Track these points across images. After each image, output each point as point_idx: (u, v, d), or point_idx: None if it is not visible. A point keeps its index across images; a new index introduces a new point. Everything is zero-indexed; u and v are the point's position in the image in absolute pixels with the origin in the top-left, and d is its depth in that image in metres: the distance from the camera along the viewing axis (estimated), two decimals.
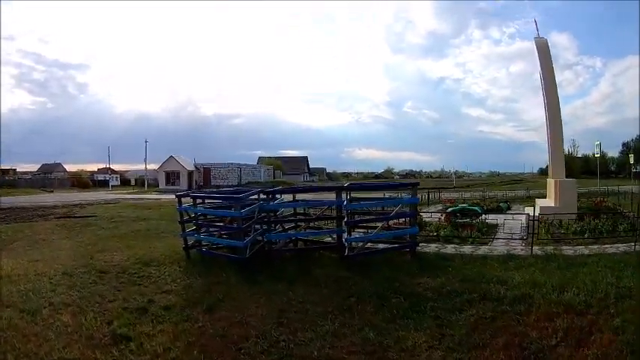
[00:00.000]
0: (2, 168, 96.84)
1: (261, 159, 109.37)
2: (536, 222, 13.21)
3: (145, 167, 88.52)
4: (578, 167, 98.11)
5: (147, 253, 13.54)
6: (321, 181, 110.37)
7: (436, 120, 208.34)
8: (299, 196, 15.73)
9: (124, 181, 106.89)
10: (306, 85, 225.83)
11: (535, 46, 19.61)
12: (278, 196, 13.59)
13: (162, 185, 74.85)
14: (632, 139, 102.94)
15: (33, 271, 11.36)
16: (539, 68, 19.65)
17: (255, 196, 12.75)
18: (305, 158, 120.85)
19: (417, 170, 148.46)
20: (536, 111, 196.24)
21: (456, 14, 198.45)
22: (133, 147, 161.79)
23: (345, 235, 11.94)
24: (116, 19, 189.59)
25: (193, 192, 14.05)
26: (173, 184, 73.10)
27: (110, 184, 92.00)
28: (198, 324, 7.79)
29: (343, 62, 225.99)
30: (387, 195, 17.36)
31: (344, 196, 12.26)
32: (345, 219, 11.96)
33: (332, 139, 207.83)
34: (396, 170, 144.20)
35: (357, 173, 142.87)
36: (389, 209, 14.22)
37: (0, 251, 14.83)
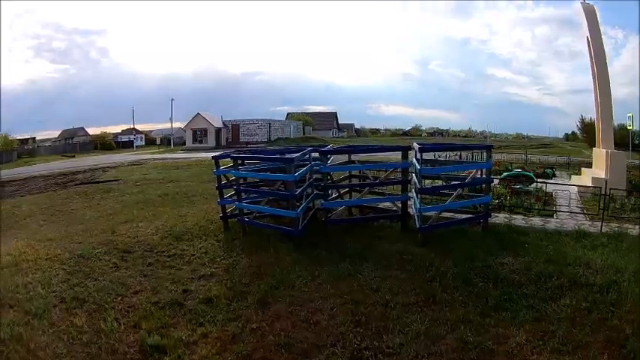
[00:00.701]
0: (20, 138, 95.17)
1: (289, 115, 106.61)
2: (596, 196, 12.69)
3: (171, 126, 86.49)
4: None
5: (177, 223, 12.18)
6: (350, 137, 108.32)
7: (462, 79, 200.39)
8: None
9: (149, 141, 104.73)
10: (330, 42, 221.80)
11: (583, 12, 18.12)
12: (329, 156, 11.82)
13: (189, 144, 73.40)
14: None
15: (44, 255, 9.96)
16: (587, 34, 17.98)
17: (306, 157, 11.54)
18: (334, 114, 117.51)
19: (444, 129, 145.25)
20: (559, 76, 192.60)
21: None
22: (158, 107, 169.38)
23: (416, 204, 10.39)
24: None
25: (233, 152, 12.25)
26: (200, 142, 71.70)
27: (134, 145, 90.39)
28: (252, 325, 6.37)
29: (369, 20, 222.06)
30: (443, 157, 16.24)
31: (412, 157, 11.07)
32: (418, 185, 10.41)
33: (358, 96, 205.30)
34: (423, 128, 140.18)
35: (386, 130, 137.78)
36: (458, 174, 12.80)
37: (8, 231, 13.55)
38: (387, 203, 12.05)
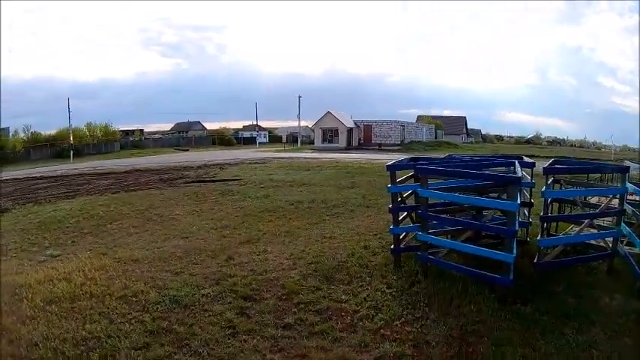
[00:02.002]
0: (124, 129, 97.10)
1: (419, 117, 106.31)
2: None
3: (299, 123, 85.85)
4: None
5: (323, 250, 9.29)
6: (477, 142, 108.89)
7: (575, 87, 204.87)
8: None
9: (274, 139, 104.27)
10: (454, 47, 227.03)
11: None
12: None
13: (317, 143, 71.59)
14: None
15: (119, 289, 7.13)
16: None
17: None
18: (463, 118, 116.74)
19: (561, 138, 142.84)
20: None
21: None
22: (281, 105, 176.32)
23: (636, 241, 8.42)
24: None
25: (418, 161, 10.11)
26: (330, 141, 69.94)
27: (257, 142, 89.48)
28: None
29: (493, 27, 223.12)
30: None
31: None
32: None
33: (483, 101, 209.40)
34: (542, 136, 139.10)
35: (509, 137, 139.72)
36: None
37: (84, 237, 11.41)
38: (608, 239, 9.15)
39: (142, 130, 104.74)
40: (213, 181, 21.87)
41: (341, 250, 9.18)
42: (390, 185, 8.90)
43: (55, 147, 67.05)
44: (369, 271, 7.97)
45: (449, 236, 8.75)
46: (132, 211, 14.35)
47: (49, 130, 73.64)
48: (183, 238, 10.65)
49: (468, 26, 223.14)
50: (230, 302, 6.48)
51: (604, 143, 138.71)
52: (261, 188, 18.54)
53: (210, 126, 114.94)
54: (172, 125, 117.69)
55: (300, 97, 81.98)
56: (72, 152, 58.49)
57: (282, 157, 39.87)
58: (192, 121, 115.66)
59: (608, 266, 8.66)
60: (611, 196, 9.30)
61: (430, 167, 8.54)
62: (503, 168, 9.67)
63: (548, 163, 9.65)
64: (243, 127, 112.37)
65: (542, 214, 8.85)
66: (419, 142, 73.69)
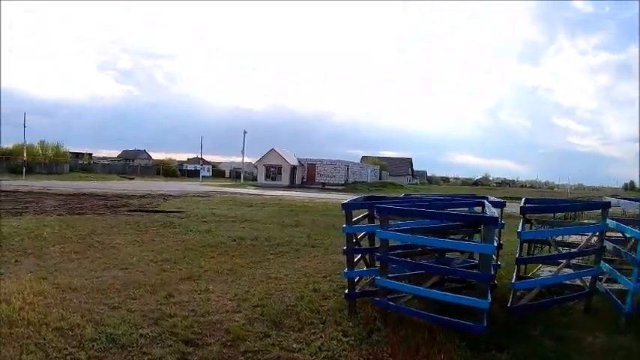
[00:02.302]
0: (76, 151, 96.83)
1: (364, 158, 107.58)
2: None
3: (242, 159, 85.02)
4: None
5: (270, 291, 8.64)
6: (422, 184, 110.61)
7: (529, 129, 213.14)
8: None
9: (217, 173, 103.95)
10: (405, 87, 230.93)
11: None
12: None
13: (261, 179, 71.76)
14: None
15: (56, 320, 6.44)
16: None
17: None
18: (409, 160, 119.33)
19: (511, 179, 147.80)
20: (616, 125, 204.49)
21: (547, 21, 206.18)
22: (226, 140, 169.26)
23: (625, 280, 7.90)
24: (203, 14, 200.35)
25: (373, 200, 9.66)
26: (273, 179, 70.00)
27: (201, 175, 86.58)
28: None
29: (444, 65, 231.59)
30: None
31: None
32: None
33: (430, 143, 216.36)
34: (491, 178, 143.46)
35: (456, 178, 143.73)
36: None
37: (27, 257, 10.73)
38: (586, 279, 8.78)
39: (90, 155, 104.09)
40: (156, 211, 21.22)
41: (289, 292, 8.54)
42: (345, 225, 8.12)
43: (10, 161, 67.19)
44: (321, 316, 7.29)
45: (408, 281, 8.11)
46: (75, 236, 13.66)
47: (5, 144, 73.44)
48: (122, 269, 9.88)
49: (418, 68, 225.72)
50: (170, 346, 5.76)
51: (557, 183, 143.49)
52: (203, 222, 18.00)
53: (156, 156, 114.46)
54: (120, 152, 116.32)
55: (245, 132, 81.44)
56: (24, 169, 57.55)
57: (225, 192, 39.53)
58: (139, 149, 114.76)
59: (586, 305, 8.35)
60: (590, 234, 8.92)
61: (391, 206, 7.84)
62: (466, 208, 9.21)
63: (522, 202, 9.46)
64: (188, 159, 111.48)
65: (517, 255, 8.35)
66: (363, 182, 74.64)
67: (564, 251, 9.26)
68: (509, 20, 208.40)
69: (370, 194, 14.89)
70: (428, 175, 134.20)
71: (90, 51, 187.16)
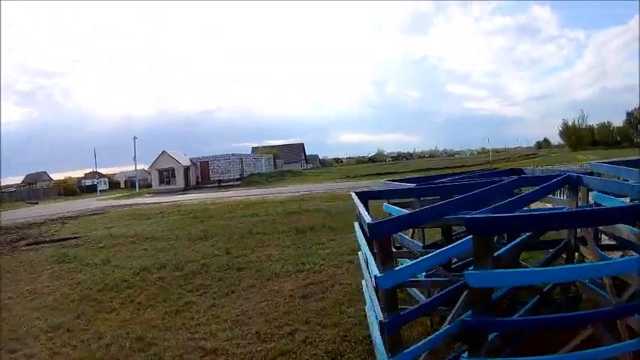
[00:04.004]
0: None
1: (254, 149, 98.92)
2: None
3: (135, 167, 79.15)
4: (589, 138, 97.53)
5: None
6: (316, 168, 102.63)
7: (420, 99, 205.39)
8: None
9: (113, 185, 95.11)
10: (285, 73, 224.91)
11: None
12: None
13: (155, 185, 64.74)
14: (635, 108, 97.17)
15: None
16: None
17: None
18: (301, 145, 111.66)
19: (406, 152, 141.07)
20: (519, 86, 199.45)
21: None
22: (120, 149, 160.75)
23: None
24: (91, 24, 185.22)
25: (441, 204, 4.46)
26: (168, 183, 63.26)
27: (98, 189, 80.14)
28: None
29: (324, 47, 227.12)
30: None
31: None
32: None
33: (317, 126, 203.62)
34: (386, 152, 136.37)
35: (349, 158, 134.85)
36: None
37: None
38: None
39: None
40: (53, 241, 17.47)
41: None
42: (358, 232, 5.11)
43: None
44: None
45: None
46: None
47: None
48: (8, 351, 6.70)
49: (299, 51, 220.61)
50: None
51: (457, 150, 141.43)
52: (100, 249, 14.60)
53: (56, 176, 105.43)
54: (24, 177, 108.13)
55: (135, 138, 75.87)
56: None
57: (122, 205, 35.31)
58: (39, 172, 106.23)
59: None
60: None
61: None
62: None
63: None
64: (85, 174, 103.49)
65: None
66: (259, 174, 68.53)
67: None
68: None
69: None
70: (320, 158, 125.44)
71: None
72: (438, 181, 6.90)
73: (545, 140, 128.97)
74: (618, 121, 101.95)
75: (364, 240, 4.59)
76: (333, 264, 9.97)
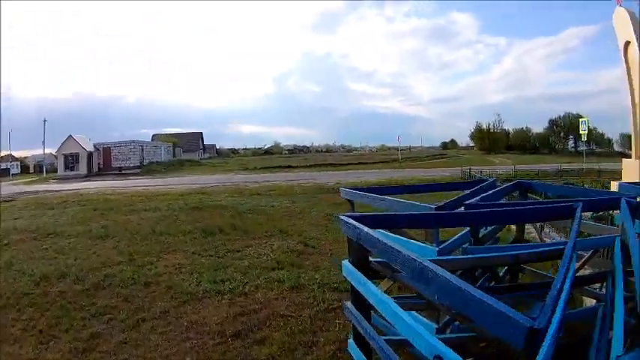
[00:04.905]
0: None
1: (155, 136, 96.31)
2: None
3: (44, 150, 75.14)
4: (504, 142, 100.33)
5: None
6: (212, 158, 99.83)
7: (320, 95, 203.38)
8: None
9: (24, 169, 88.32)
10: (189, 63, 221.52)
11: (627, 16, 14.24)
12: None
13: (60, 171, 60.89)
14: (560, 116, 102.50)
15: None
16: (635, 41, 14.04)
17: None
18: (200, 134, 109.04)
19: (302, 145, 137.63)
20: (425, 87, 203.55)
21: None
22: (34, 131, 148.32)
23: None
24: None
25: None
26: (72, 168, 59.67)
27: (11, 173, 74.74)
28: None
29: (227, 40, 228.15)
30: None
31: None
32: None
33: (216, 116, 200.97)
34: (282, 145, 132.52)
35: (245, 149, 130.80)
36: None
37: None
38: None
39: None
40: None
41: None
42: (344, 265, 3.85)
43: None
44: None
45: None
46: None
47: None
48: None
49: (204, 42, 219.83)
50: None
51: (354, 145, 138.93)
52: (4, 247, 12.74)
53: None
54: None
55: (45, 120, 72.06)
56: None
57: (29, 192, 32.70)
58: None
59: None
60: None
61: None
62: None
63: None
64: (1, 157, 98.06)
65: None
66: (158, 162, 66.25)
67: None
68: None
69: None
70: (217, 147, 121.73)
71: None
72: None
73: (452, 141, 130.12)
74: (536, 128, 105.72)
75: None
76: (260, 283, 8.14)
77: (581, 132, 37.73)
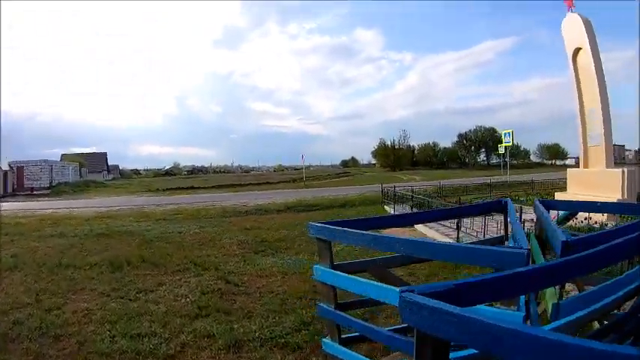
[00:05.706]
0: None
1: (64, 156, 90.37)
2: None
3: None
4: (409, 158, 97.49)
5: None
6: (115, 179, 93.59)
7: (221, 114, 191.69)
8: None
9: None
10: (91, 81, 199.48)
11: (581, 23, 14.51)
12: None
13: None
14: (471, 130, 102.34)
15: None
16: (588, 48, 14.34)
17: None
18: (105, 155, 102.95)
19: (201, 165, 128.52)
20: (325, 105, 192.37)
21: (257, 9, 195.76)
22: None
23: None
24: None
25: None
26: None
27: None
28: None
29: (130, 57, 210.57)
30: None
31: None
32: None
33: (118, 136, 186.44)
34: (181, 166, 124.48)
35: (147, 170, 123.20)
36: None
37: None
38: None
39: None
40: None
41: None
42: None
43: None
44: None
45: None
46: None
47: None
48: None
49: (107, 59, 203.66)
50: None
51: (252, 166, 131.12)
52: None
53: None
54: None
55: None
56: None
57: None
58: None
59: None
60: None
61: None
62: None
63: None
64: None
65: None
66: (67, 183, 60.88)
67: None
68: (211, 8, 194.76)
69: None
70: (120, 168, 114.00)
71: None
72: None
73: (353, 159, 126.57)
74: (444, 142, 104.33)
75: None
76: (186, 340, 5.92)
77: (504, 144, 38.00)
